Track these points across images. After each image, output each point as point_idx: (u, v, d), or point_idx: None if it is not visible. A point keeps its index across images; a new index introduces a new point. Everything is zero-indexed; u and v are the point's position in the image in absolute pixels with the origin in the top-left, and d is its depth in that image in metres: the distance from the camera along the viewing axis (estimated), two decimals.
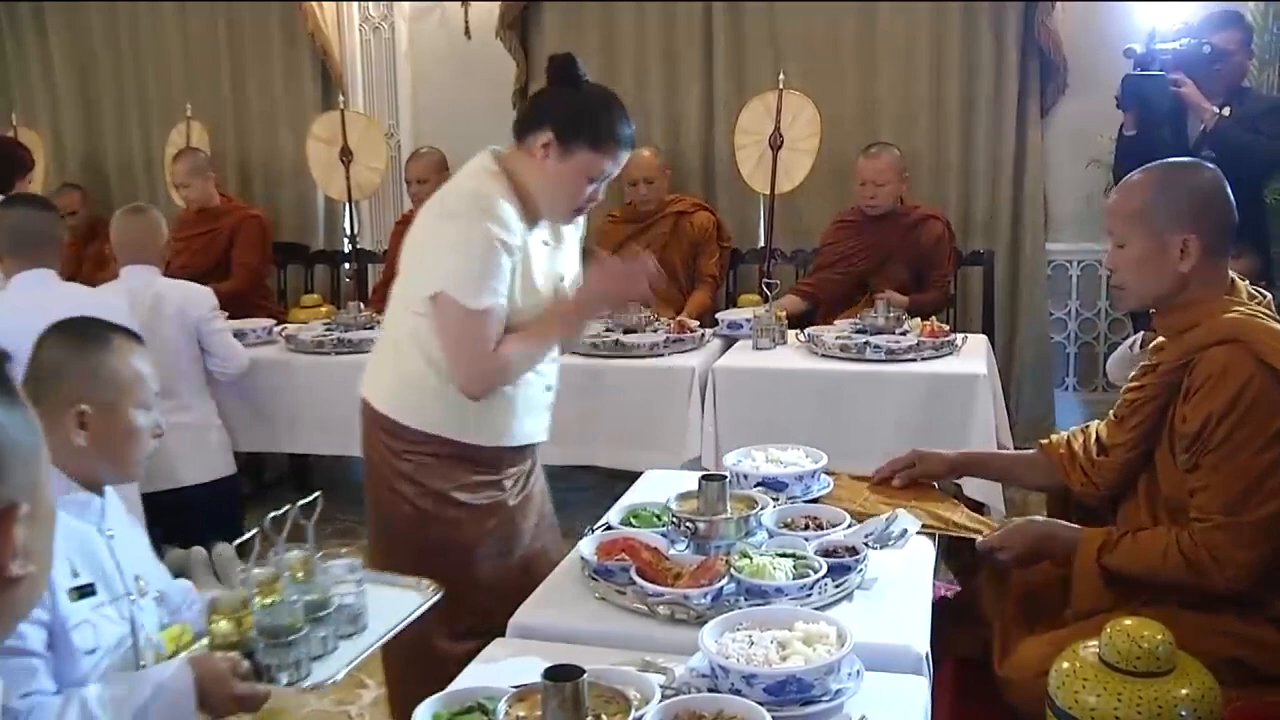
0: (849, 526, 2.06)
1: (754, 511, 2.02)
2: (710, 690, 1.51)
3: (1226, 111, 3.70)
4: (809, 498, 2.24)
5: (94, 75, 6.09)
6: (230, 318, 3.89)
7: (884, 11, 4.96)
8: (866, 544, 1.96)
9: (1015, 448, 3.60)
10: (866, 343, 3.59)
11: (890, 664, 1.65)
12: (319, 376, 3.91)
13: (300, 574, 1.72)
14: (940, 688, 2.00)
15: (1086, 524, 2.10)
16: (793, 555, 1.88)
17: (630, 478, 2.61)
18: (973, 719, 2.10)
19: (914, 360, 3.53)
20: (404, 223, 4.83)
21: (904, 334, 3.70)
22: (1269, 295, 2.07)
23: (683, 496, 2.05)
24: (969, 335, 3.87)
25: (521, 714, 1.42)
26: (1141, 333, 2.73)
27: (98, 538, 1.76)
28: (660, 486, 2.40)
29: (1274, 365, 1.88)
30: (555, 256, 2.30)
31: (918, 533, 2.06)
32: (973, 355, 3.61)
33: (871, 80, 5.02)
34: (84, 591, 1.66)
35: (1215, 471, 1.91)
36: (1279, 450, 1.88)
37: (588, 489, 4.19)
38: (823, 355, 3.62)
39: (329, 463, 4.63)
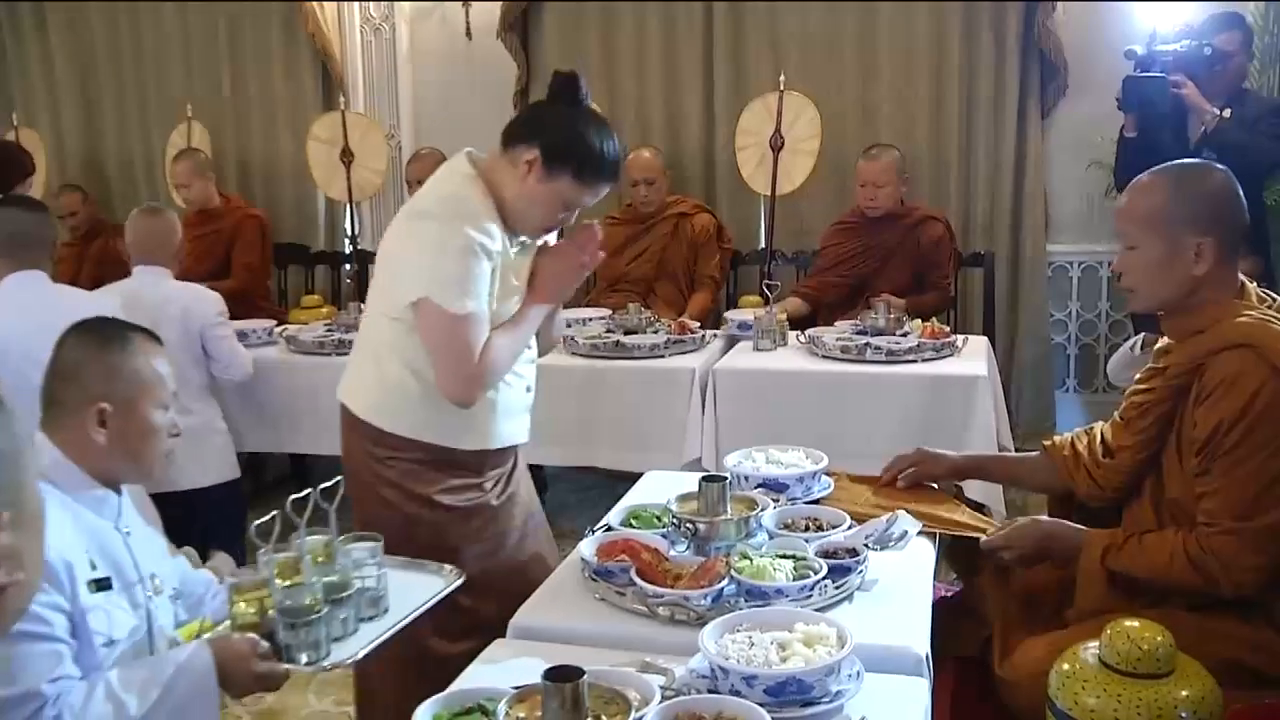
0: (849, 528, 2.05)
1: (754, 513, 2.02)
2: (710, 691, 1.51)
3: (1227, 113, 3.69)
4: (809, 499, 2.23)
5: (94, 75, 6.09)
6: (231, 318, 3.89)
7: (884, 12, 4.96)
8: (867, 545, 1.96)
9: (1016, 449, 3.61)
10: (867, 344, 3.59)
11: (890, 665, 1.65)
12: (320, 377, 3.88)
13: (321, 557, 1.73)
14: (940, 688, 2.00)
15: (1089, 525, 2.09)
16: (793, 556, 1.88)
17: (631, 479, 2.61)
18: (973, 719, 2.11)
19: (914, 361, 3.52)
20: None
21: (904, 335, 3.70)
22: (1279, 299, 2.06)
23: (683, 498, 2.05)
24: (969, 336, 3.87)
25: (522, 715, 1.42)
26: (1142, 334, 2.72)
27: (114, 534, 1.78)
28: (660, 487, 2.40)
29: None
30: (530, 258, 2.28)
31: (919, 534, 2.06)
32: (973, 356, 3.61)
33: (872, 81, 5.02)
34: (101, 584, 1.68)
35: (1226, 477, 1.90)
36: None
37: (588, 490, 4.19)
38: (823, 356, 3.62)
39: (330, 463, 4.62)
